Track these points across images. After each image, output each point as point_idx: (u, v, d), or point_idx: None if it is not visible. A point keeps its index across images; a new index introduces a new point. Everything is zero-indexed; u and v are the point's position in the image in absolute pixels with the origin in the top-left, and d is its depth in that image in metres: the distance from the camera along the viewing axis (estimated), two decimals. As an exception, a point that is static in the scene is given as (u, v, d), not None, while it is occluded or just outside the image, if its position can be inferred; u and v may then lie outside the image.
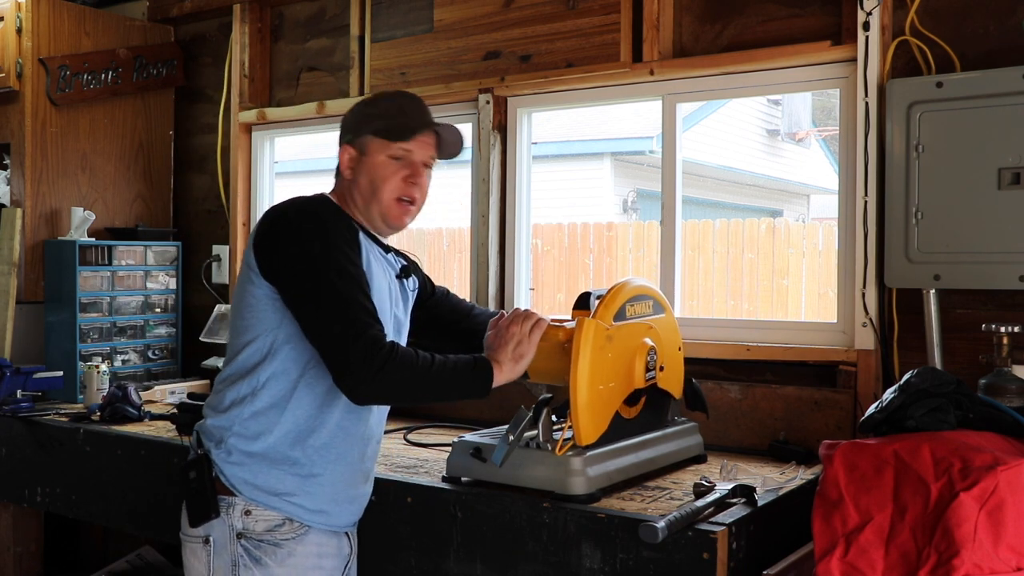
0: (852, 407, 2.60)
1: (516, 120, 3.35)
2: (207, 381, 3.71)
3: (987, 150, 2.39)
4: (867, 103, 2.59)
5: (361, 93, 3.63)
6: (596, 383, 2.10)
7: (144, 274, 3.90)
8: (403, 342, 2.21)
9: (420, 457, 2.63)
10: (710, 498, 2.00)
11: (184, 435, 2.71)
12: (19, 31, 3.70)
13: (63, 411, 3.31)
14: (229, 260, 3.99)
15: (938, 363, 2.48)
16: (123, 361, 3.81)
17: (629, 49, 3.03)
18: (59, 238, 3.76)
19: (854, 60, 2.65)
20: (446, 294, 2.45)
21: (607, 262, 7.60)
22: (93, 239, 3.75)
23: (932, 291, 2.48)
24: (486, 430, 2.39)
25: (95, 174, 3.95)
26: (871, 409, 2.06)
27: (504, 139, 3.36)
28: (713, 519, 1.94)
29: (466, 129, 3.42)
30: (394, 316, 2.15)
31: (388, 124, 2.09)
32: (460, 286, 3.32)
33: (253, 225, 3.24)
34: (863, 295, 2.61)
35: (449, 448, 2.32)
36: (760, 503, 2.04)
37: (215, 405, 2.09)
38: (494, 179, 3.34)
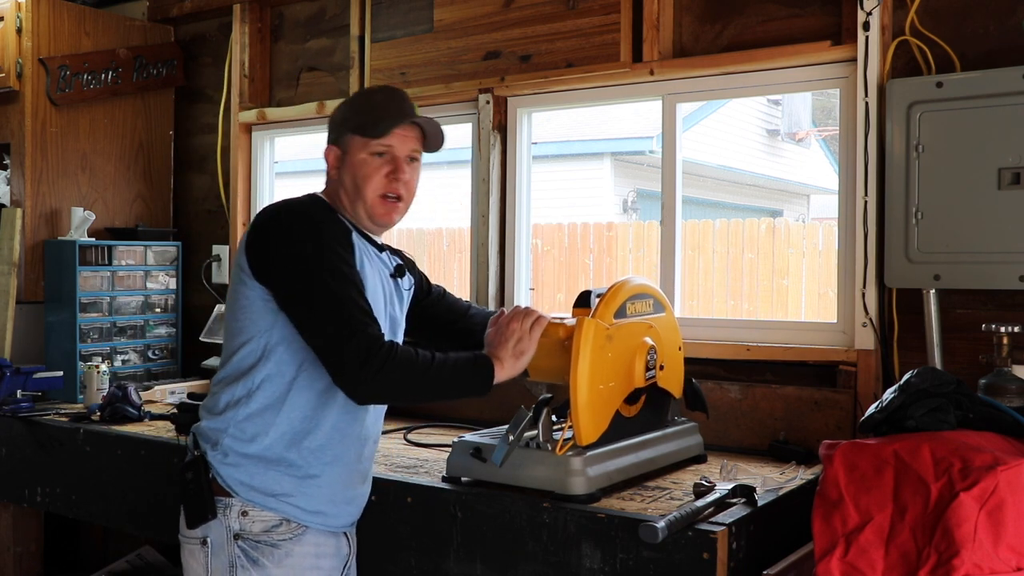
0: (852, 407, 2.60)
1: (516, 120, 3.35)
2: (207, 381, 3.71)
3: (987, 150, 2.39)
4: (867, 103, 2.59)
5: (361, 93, 3.63)
6: (596, 383, 2.10)
7: (144, 274, 3.90)
8: (399, 341, 2.20)
9: (420, 457, 2.63)
10: (710, 498, 2.00)
11: (184, 435, 2.71)
12: (19, 31, 3.70)
13: (63, 411, 3.31)
14: (229, 260, 3.99)
15: (938, 363, 2.48)
16: (123, 361, 3.81)
17: (629, 49, 3.03)
18: (59, 238, 3.76)
19: (854, 60, 2.65)
20: (443, 294, 2.44)
21: (607, 262, 7.60)
22: (93, 239, 3.75)
23: (932, 291, 2.48)
24: (486, 430, 2.39)
25: (95, 174, 3.95)
26: (871, 409, 2.06)
27: (504, 139, 3.36)
28: (713, 519, 1.94)
29: (466, 129, 3.43)
30: (389, 315, 2.14)
31: (366, 120, 2.08)
32: (460, 286, 3.33)
33: (253, 225, 3.24)
34: (863, 295, 2.61)
35: (449, 448, 2.32)
36: (760, 503, 2.04)
37: (210, 407, 2.09)
38: (494, 179, 3.34)
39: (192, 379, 3.84)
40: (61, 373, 3.54)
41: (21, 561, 3.52)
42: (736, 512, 1.98)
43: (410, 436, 2.92)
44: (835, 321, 2.78)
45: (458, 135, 3.53)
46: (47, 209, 3.79)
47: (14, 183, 3.76)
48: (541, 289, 7.58)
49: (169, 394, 3.56)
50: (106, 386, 3.33)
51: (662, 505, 2.08)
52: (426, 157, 2.19)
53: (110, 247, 3.77)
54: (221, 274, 4.01)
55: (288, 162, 5.22)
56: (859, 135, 2.61)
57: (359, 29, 3.64)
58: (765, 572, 1.92)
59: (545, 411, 2.13)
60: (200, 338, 3.79)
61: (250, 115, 3.93)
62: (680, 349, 2.45)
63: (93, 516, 3.06)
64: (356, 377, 1.89)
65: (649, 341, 2.26)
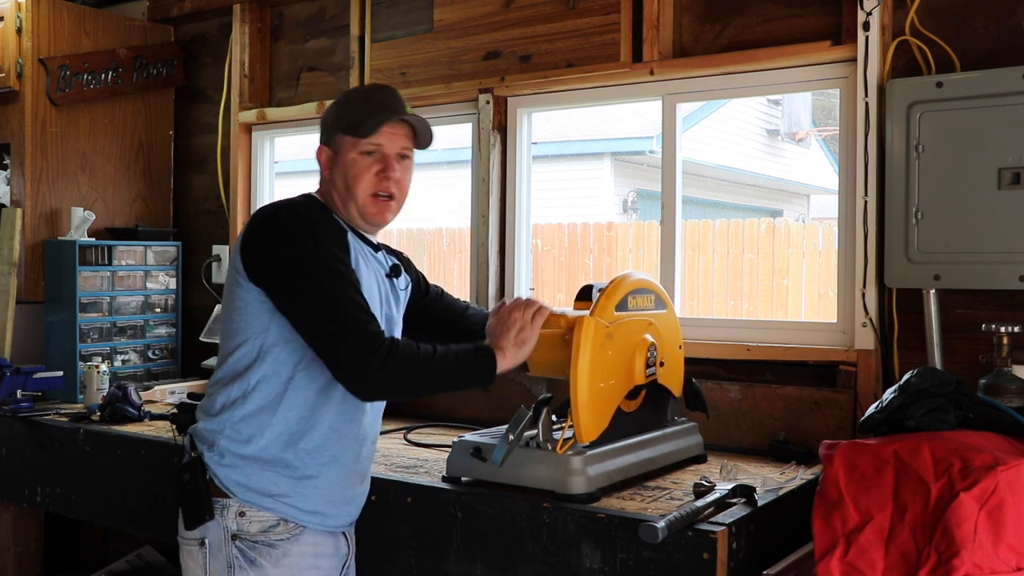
0: (852, 407, 2.60)
1: (516, 120, 3.35)
2: (207, 381, 3.70)
3: (987, 150, 2.39)
4: (867, 103, 2.59)
5: (361, 93, 3.63)
6: (596, 381, 2.10)
7: (144, 274, 3.90)
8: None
9: (420, 457, 2.63)
10: (710, 498, 2.00)
11: (183, 435, 2.71)
12: (19, 31, 3.70)
13: (63, 411, 3.31)
14: (229, 260, 3.98)
15: (938, 363, 2.48)
16: (123, 361, 3.81)
17: (629, 49, 3.03)
18: (59, 238, 3.76)
19: (854, 60, 2.65)
20: (440, 294, 2.44)
21: (607, 262, 7.60)
22: (93, 239, 3.75)
23: (932, 291, 2.48)
24: (486, 430, 2.39)
25: (95, 174, 3.95)
26: (871, 409, 2.06)
27: (504, 139, 3.36)
28: (713, 519, 1.94)
29: (466, 129, 3.43)
30: (386, 315, 2.14)
31: (354, 120, 2.07)
32: (460, 286, 3.33)
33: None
34: (863, 295, 2.61)
35: (449, 448, 2.32)
36: (760, 503, 2.04)
37: (207, 408, 2.09)
38: (494, 179, 3.34)
39: (192, 379, 3.83)
40: (61, 373, 3.54)
41: (21, 561, 3.52)
42: (736, 512, 1.98)
43: (410, 436, 2.92)
44: (835, 321, 2.78)
45: (458, 135, 3.54)
46: (47, 209, 3.79)
47: (14, 183, 3.76)
48: (541, 289, 7.58)
49: (169, 394, 3.56)
50: (106, 386, 3.33)
51: (662, 505, 2.08)
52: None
53: (110, 247, 3.77)
54: (221, 274, 4.01)
55: (288, 162, 5.22)
56: (859, 135, 2.61)
57: (359, 29, 3.64)
58: (765, 572, 1.92)
59: (545, 410, 2.13)
60: (200, 338, 3.79)
61: (250, 115, 3.93)
62: (680, 348, 2.45)
63: (93, 516, 3.06)
64: (359, 375, 1.89)
65: (649, 338, 2.26)
